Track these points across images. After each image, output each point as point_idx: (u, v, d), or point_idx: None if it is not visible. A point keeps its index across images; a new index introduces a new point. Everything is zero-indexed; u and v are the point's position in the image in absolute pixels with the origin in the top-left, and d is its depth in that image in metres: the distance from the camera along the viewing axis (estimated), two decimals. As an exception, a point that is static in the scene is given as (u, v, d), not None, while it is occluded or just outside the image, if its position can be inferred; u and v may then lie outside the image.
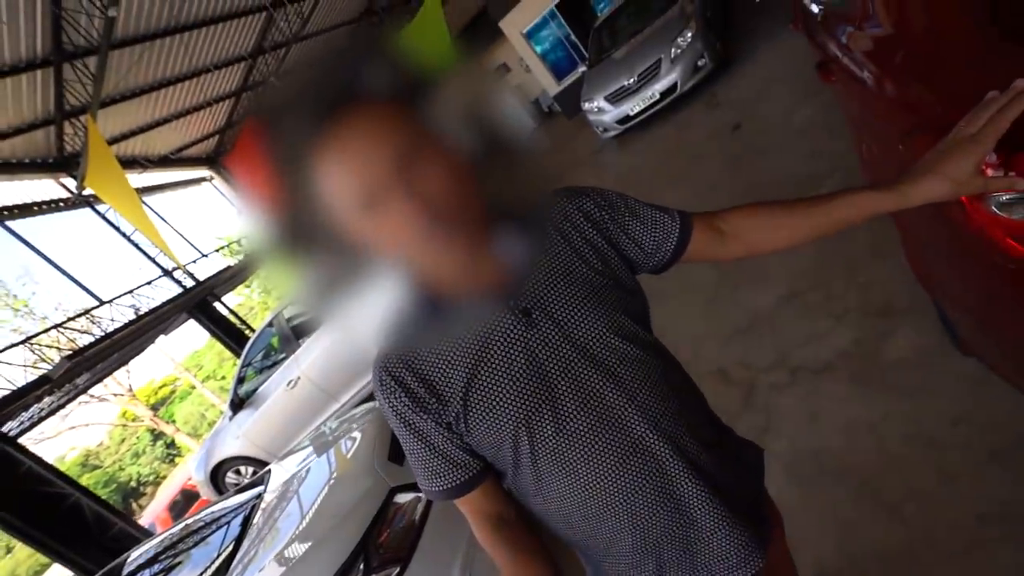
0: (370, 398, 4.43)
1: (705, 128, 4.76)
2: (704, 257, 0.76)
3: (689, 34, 5.47)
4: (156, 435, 26.81)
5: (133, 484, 25.19)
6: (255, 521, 2.19)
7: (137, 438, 26.90)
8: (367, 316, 0.62)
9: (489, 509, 0.69)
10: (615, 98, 6.00)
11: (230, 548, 2.07)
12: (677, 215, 0.74)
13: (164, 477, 23.03)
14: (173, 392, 27.79)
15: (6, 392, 5.45)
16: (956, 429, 1.39)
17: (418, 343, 0.65)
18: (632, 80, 5.82)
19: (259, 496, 2.44)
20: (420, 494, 1.84)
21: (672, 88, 5.61)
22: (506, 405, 0.62)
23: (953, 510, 1.26)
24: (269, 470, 2.73)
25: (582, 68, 7.49)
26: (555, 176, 0.72)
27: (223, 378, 28.03)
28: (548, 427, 0.63)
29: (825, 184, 2.68)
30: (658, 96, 5.71)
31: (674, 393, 0.68)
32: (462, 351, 0.63)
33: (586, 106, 6.38)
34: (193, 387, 26.43)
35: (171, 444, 26.76)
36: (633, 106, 5.88)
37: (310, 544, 1.75)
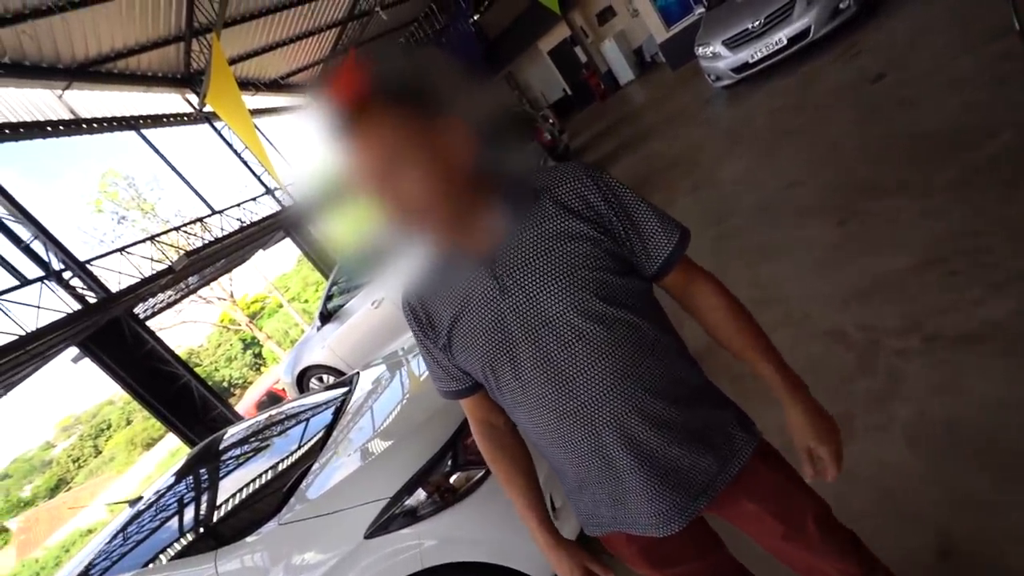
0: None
1: (838, 80, 4.24)
2: (672, 295, 0.85)
3: (835, -30, 4.80)
4: (247, 344, 29.78)
5: (225, 384, 28.36)
6: (347, 412, 2.36)
7: (231, 345, 30.05)
8: (392, 265, 0.81)
9: (481, 415, 0.90)
10: (735, 43, 5.46)
11: (322, 434, 2.24)
12: (677, 236, 0.78)
13: (251, 382, 25.68)
14: (263, 308, 30.49)
15: (137, 280, 6.18)
16: None
17: (425, 283, 0.81)
18: (758, 23, 5.25)
19: (349, 392, 2.61)
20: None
21: (804, 33, 5.01)
22: (476, 348, 0.77)
23: None
24: (358, 373, 2.91)
25: (700, 10, 6.85)
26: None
27: (306, 301, 30.31)
28: (507, 373, 0.77)
29: (990, 143, 2.30)
30: (785, 42, 5.13)
31: (631, 374, 0.74)
32: (452, 298, 0.78)
33: (700, 51, 5.88)
34: (280, 306, 28.81)
35: (258, 354, 29.68)
36: (754, 52, 5.33)
37: (399, 437, 1.85)
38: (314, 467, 1.93)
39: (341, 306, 5.53)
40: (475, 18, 14.83)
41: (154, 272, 6.43)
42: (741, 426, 0.84)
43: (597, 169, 0.77)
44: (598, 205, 0.74)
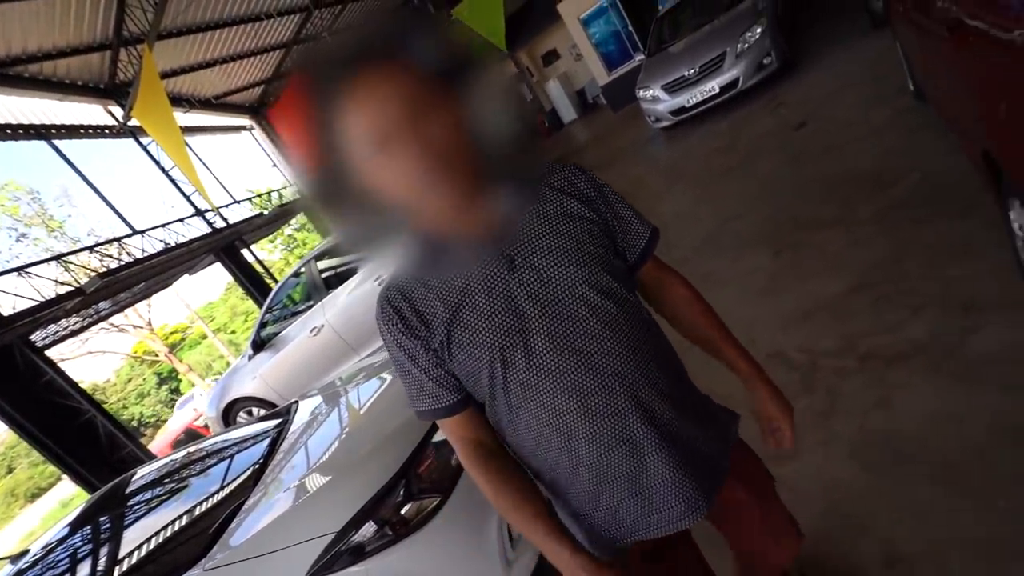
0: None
1: (765, 126, 4.63)
2: (642, 289, 0.88)
3: (759, 30, 5.32)
4: (162, 380, 27.35)
5: (135, 424, 25.75)
6: (284, 444, 2.17)
7: (144, 380, 27.48)
8: (383, 255, 0.72)
9: (472, 435, 0.79)
10: (673, 88, 5.87)
11: (255, 468, 2.05)
12: (650, 230, 0.83)
13: (165, 421, 23.50)
14: (183, 339, 28.27)
15: (37, 303, 5.53)
16: (1057, 424, 1.30)
17: (416, 278, 0.74)
18: (693, 71, 5.68)
19: (286, 423, 2.42)
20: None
21: (733, 83, 5.47)
22: (484, 336, 0.70)
23: (1053, 505, 1.18)
24: (296, 402, 2.71)
25: (639, 57, 7.34)
26: (546, 149, 0.81)
27: (233, 332, 28.47)
28: (520, 360, 0.71)
29: (903, 182, 2.56)
30: (718, 90, 5.58)
31: (641, 349, 0.75)
32: (450, 287, 0.72)
33: (641, 93, 6.26)
34: (204, 336, 26.89)
35: (176, 389, 27.29)
36: (690, 98, 5.75)
37: (345, 467, 1.72)
38: (246, 505, 1.75)
39: (277, 333, 5.22)
40: (431, 18, 15.01)
41: (61, 294, 5.78)
42: (717, 404, 0.92)
43: (581, 166, 0.81)
44: (589, 192, 0.78)
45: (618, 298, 0.74)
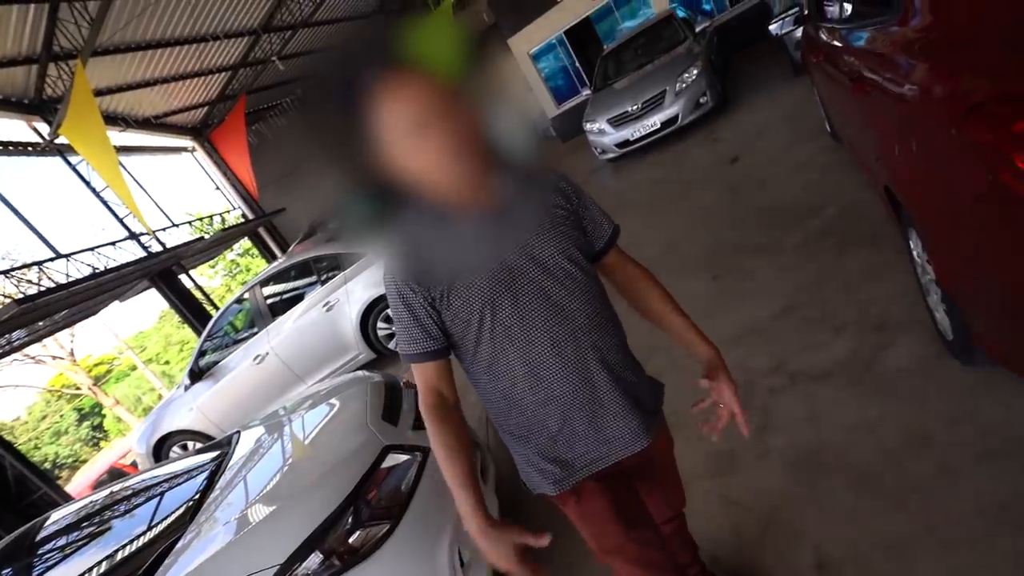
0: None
1: (702, 159, 4.94)
2: (607, 273, 1.06)
3: (695, 71, 5.72)
4: (83, 416, 25.08)
5: (47, 465, 23.36)
6: (223, 477, 2.06)
7: (61, 416, 25.08)
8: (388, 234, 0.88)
9: (438, 385, 0.94)
10: (617, 122, 6.18)
11: (192, 503, 1.93)
12: (613, 226, 1.02)
13: (84, 461, 21.47)
14: (110, 371, 26.17)
15: (-61, 332, 4.99)
16: (955, 429, 1.45)
17: (425, 241, 0.87)
18: (636, 107, 6.01)
19: (226, 455, 2.30)
20: (411, 456, 1.79)
21: (673, 119, 5.83)
22: (478, 287, 0.86)
23: (955, 502, 1.30)
24: (238, 432, 2.58)
25: (586, 92, 7.71)
26: (544, 154, 1.02)
27: (167, 363, 26.63)
28: (507, 308, 0.87)
29: (823, 213, 2.81)
30: (659, 125, 5.92)
31: (600, 311, 0.94)
32: (455, 249, 0.86)
33: (588, 126, 6.54)
34: (133, 368, 25.04)
35: (98, 426, 25.06)
36: (634, 132, 6.07)
37: (290, 496, 1.65)
38: (180, 543, 1.64)
39: (217, 362, 4.97)
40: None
41: (-31, 322, 5.25)
42: (649, 376, 1.09)
43: (562, 173, 0.99)
44: (569, 192, 0.97)
45: (584, 269, 0.93)
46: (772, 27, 3.18)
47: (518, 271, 0.87)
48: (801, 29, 3.25)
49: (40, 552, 2.19)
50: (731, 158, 4.48)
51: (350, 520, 1.50)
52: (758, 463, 1.74)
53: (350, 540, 1.46)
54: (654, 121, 5.92)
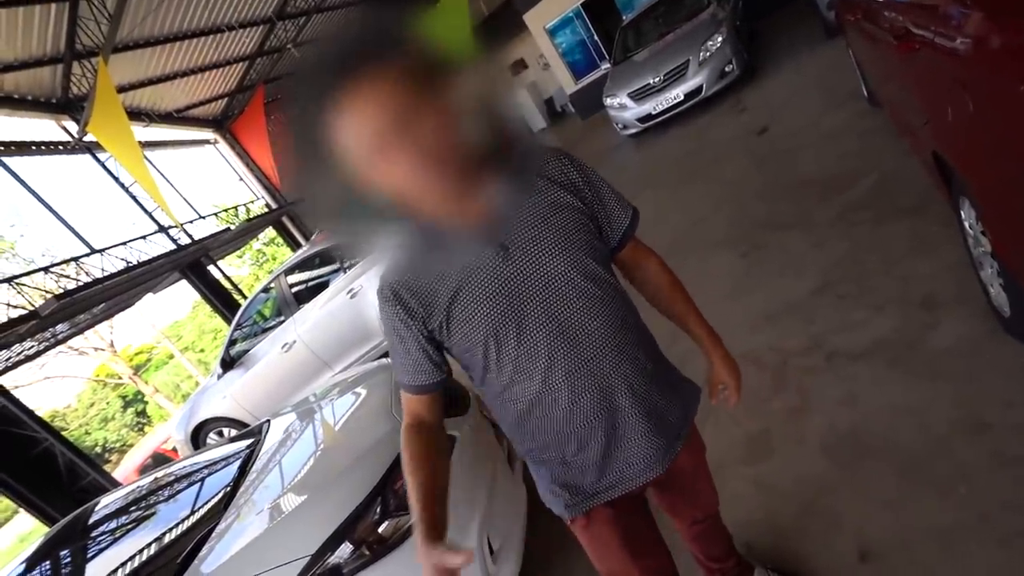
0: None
1: (728, 131, 4.76)
2: (622, 268, 0.98)
3: (719, 39, 5.48)
4: (127, 403, 26.24)
5: (98, 450, 24.59)
6: (256, 466, 2.10)
7: (107, 403, 26.30)
8: (380, 247, 0.77)
9: (419, 412, 0.88)
10: (639, 95, 5.99)
11: (226, 491, 1.98)
12: (631, 213, 0.90)
13: (131, 445, 22.52)
14: (149, 360, 27.22)
15: (-12, 327, 5.25)
16: (1011, 412, 1.36)
17: (415, 268, 0.80)
18: (658, 79, 5.81)
19: (258, 443, 2.34)
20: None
21: (697, 90, 5.61)
22: (479, 319, 0.77)
23: (1011, 492, 1.22)
24: (268, 421, 2.63)
25: (605, 66, 7.48)
26: (536, 145, 0.87)
27: (202, 351, 27.54)
28: (512, 340, 0.78)
29: (860, 184, 2.66)
30: (682, 97, 5.71)
31: (622, 327, 0.84)
32: (450, 274, 0.78)
33: (608, 101, 6.36)
34: (171, 357, 25.96)
35: (142, 412, 26.21)
36: (656, 105, 5.87)
37: (319, 487, 1.67)
38: (217, 530, 1.68)
39: (247, 351, 5.08)
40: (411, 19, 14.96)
41: (14, 317, 5.48)
42: (685, 379, 1.02)
43: (569, 153, 0.87)
44: (577, 181, 0.84)
45: (602, 281, 0.82)
46: (803, -14, 2.98)
47: (523, 295, 0.77)
48: (835, -13, 3.05)
49: (92, 535, 2.29)
50: (759, 129, 4.29)
51: (378, 510, 1.50)
52: (795, 447, 1.68)
53: (379, 530, 1.47)
54: (677, 93, 5.71)
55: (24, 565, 2.13)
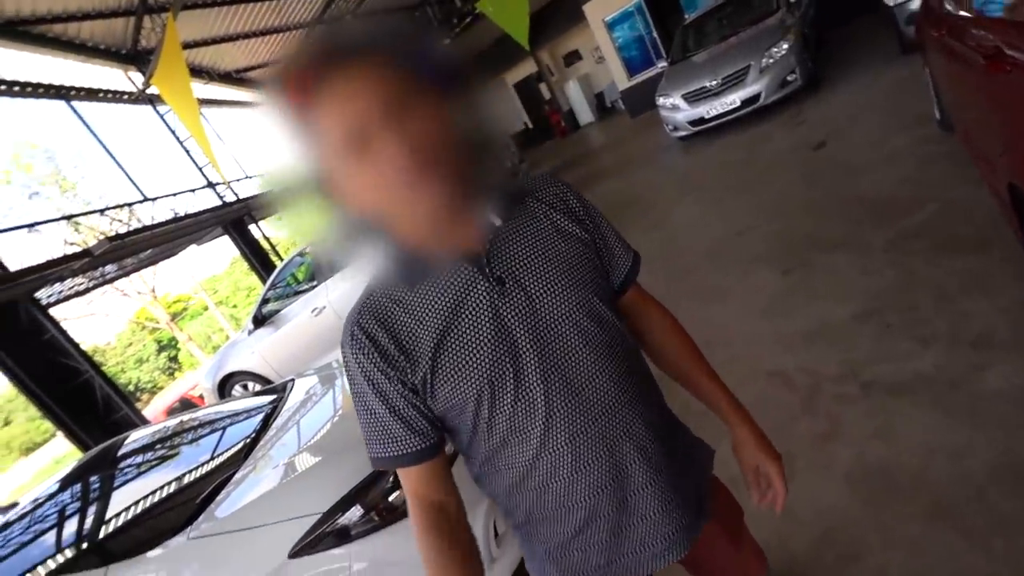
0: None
1: (784, 143, 4.59)
2: (626, 311, 0.82)
3: (785, 46, 5.27)
4: (161, 347, 27.48)
5: (131, 388, 25.86)
6: (277, 421, 2.17)
7: (143, 346, 27.61)
8: (357, 261, 0.65)
9: (430, 494, 0.69)
10: (693, 98, 5.83)
11: (247, 442, 2.05)
12: (632, 255, 0.79)
13: (161, 387, 23.61)
14: (185, 309, 28.38)
15: (45, 261, 5.56)
16: (1060, 469, 1.28)
17: (393, 303, 0.66)
18: (715, 82, 5.64)
19: (281, 400, 2.42)
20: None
21: (755, 98, 5.43)
22: (472, 367, 0.64)
23: (1050, 549, 1.16)
24: (292, 380, 2.71)
25: (661, 65, 7.28)
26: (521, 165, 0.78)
27: (235, 306, 28.55)
28: (508, 393, 0.65)
29: (920, 211, 2.53)
30: (739, 103, 5.53)
31: (631, 379, 0.71)
32: (435, 312, 0.65)
33: (660, 100, 6.22)
34: (205, 309, 26.99)
35: (174, 358, 27.43)
36: (710, 109, 5.71)
37: (337, 450, 1.71)
38: (236, 477, 1.75)
39: (278, 311, 5.23)
40: (447, 42, 15.01)
41: (69, 254, 5.79)
42: (697, 439, 0.88)
43: (567, 182, 0.77)
44: (577, 210, 0.73)
45: (609, 326, 0.70)
46: (886, -3, 2.83)
47: (520, 341, 0.64)
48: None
49: (121, 466, 2.41)
50: (817, 143, 4.13)
51: (391, 479, 1.53)
52: (818, 475, 1.63)
53: (390, 499, 1.50)
54: (734, 99, 5.53)
55: (58, 486, 2.27)
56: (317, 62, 0.54)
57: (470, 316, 0.64)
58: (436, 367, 0.64)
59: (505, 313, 0.65)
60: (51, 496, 2.21)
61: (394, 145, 0.54)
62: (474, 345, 0.64)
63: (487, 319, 0.64)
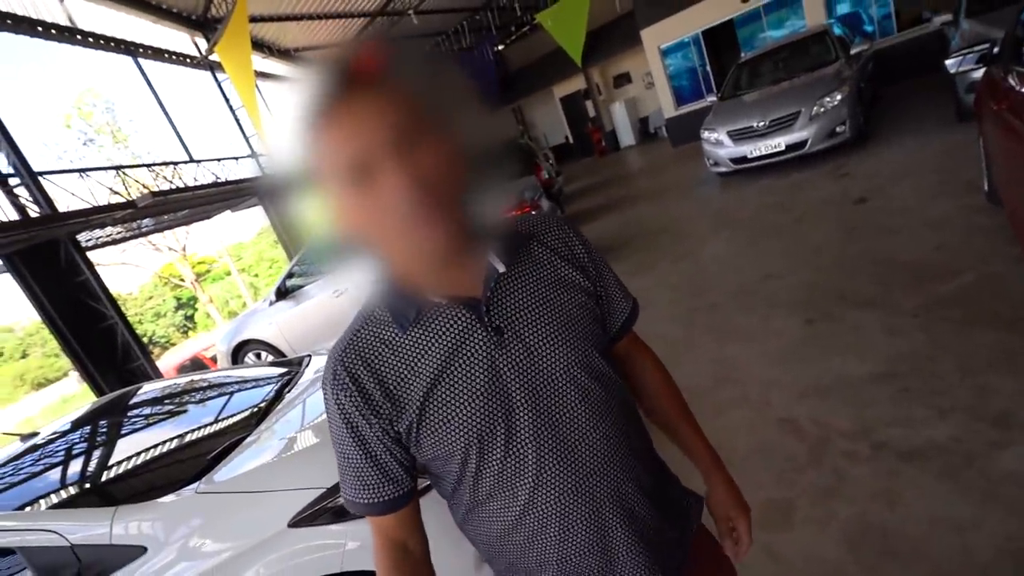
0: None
1: (824, 193, 4.55)
2: (618, 357, 0.82)
3: (839, 96, 5.23)
4: (180, 305, 28.14)
5: (145, 340, 26.49)
6: (292, 393, 2.23)
7: (164, 300, 28.32)
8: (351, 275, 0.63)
9: (399, 536, 0.69)
10: (739, 136, 5.82)
11: (261, 408, 2.11)
12: (631, 303, 0.78)
13: (174, 344, 24.15)
14: (208, 271, 29.03)
15: (89, 207, 5.78)
16: (1067, 560, 1.26)
17: (383, 344, 0.63)
18: (763, 124, 5.62)
19: (297, 374, 2.48)
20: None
21: (801, 144, 5.39)
22: (462, 420, 0.61)
23: (1045, 639, 1.14)
24: (309, 356, 2.78)
25: (710, 99, 7.28)
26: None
27: (256, 275, 29.11)
28: (499, 447, 0.62)
29: (956, 280, 2.50)
30: (783, 147, 5.50)
31: (625, 437, 0.69)
32: (427, 359, 0.62)
33: (705, 135, 6.22)
34: (227, 273, 27.54)
35: (190, 317, 28.06)
36: (754, 149, 5.69)
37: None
38: (246, 440, 1.80)
39: (301, 287, 5.34)
40: (500, 48, 15.25)
41: (115, 203, 6.02)
42: (688, 491, 0.86)
43: (573, 225, 0.75)
44: (582, 256, 0.71)
45: (607, 382, 0.69)
46: (949, 62, 2.81)
47: (515, 395, 0.62)
48: (983, 70, 2.86)
49: (135, 414, 2.50)
50: (858, 198, 4.09)
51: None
52: (816, 528, 1.62)
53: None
54: (779, 142, 5.51)
55: (77, 422, 2.36)
56: (332, 85, 0.52)
57: (464, 366, 0.62)
58: (424, 417, 0.62)
59: (502, 365, 0.62)
60: (68, 432, 2.30)
61: (398, 181, 0.51)
62: (466, 397, 0.61)
63: (482, 370, 0.62)
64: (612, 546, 0.68)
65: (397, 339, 0.63)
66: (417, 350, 0.62)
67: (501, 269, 0.63)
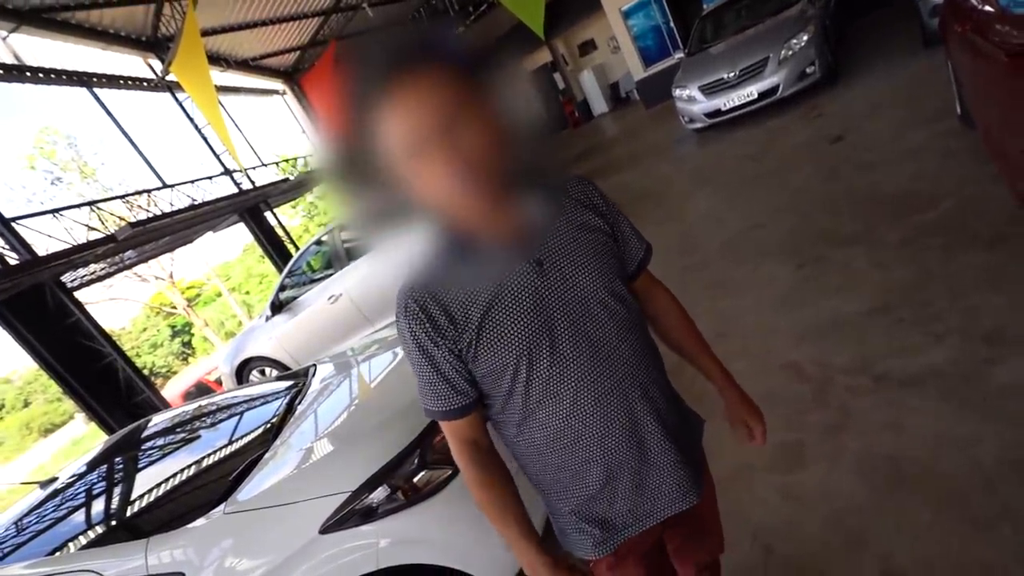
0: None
1: (800, 136, 4.57)
2: (637, 294, 0.93)
3: (805, 37, 5.21)
4: (175, 332, 27.94)
5: (146, 372, 26.31)
6: (303, 403, 2.25)
7: (158, 331, 28.09)
8: (404, 248, 0.75)
9: (470, 435, 0.83)
10: (710, 90, 5.79)
11: (275, 422, 2.13)
12: (645, 246, 0.91)
13: (175, 372, 24.04)
14: (199, 295, 28.76)
15: (69, 246, 5.70)
16: (1068, 461, 1.32)
17: (444, 279, 0.75)
18: (732, 74, 5.60)
19: (304, 384, 2.50)
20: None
21: (773, 90, 5.39)
22: (512, 335, 0.74)
23: (1054, 537, 1.20)
24: (314, 365, 2.79)
25: (677, 55, 7.21)
26: (570, 158, 0.84)
27: (247, 293, 28.87)
28: (545, 357, 0.75)
29: (936, 207, 2.54)
30: (756, 96, 5.49)
31: (646, 350, 0.84)
32: (481, 288, 0.74)
33: (677, 92, 6.18)
34: (219, 295, 27.31)
35: (187, 343, 27.88)
36: (727, 101, 5.68)
37: (364, 431, 1.77)
38: (265, 456, 1.83)
39: (295, 298, 5.32)
40: (460, 30, 14.97)
41: (94, 239, 5.93)
42: (691, 410, 0.99)
43: (592, 181, 0.87)
44: (600, 206, 0.84)
45: (630, 304, 0.82)
46: (909, -10, 2.81)
47: (556, 314, 0.75)
48: (944, -6, 2.86)
49: (151, 445, 2.52)
50: (834, 137, 4.11)
51: (416, 461, 1.60)
52: (828, 464, 1.67)
53: (415, 479, 1.57)
54: (751, 91, 5.49)
55: (95, 462, 2.37)
56: (387, 68, 0.62)
57: (513, 291, 0.75)
58: (481, 335, 0.74)
59: (543, 290, 0.75)
60: (86, 473, 2.31)
61: (450, 154, 0.62)
62: (516, 316, 0.74)
63: (528, 295, 0.75)
64: (645, 440, 0.82)
65: (456, 273, 0.75)
66: (474, 281, 0.75)
67: (540, 217, 0.76)
